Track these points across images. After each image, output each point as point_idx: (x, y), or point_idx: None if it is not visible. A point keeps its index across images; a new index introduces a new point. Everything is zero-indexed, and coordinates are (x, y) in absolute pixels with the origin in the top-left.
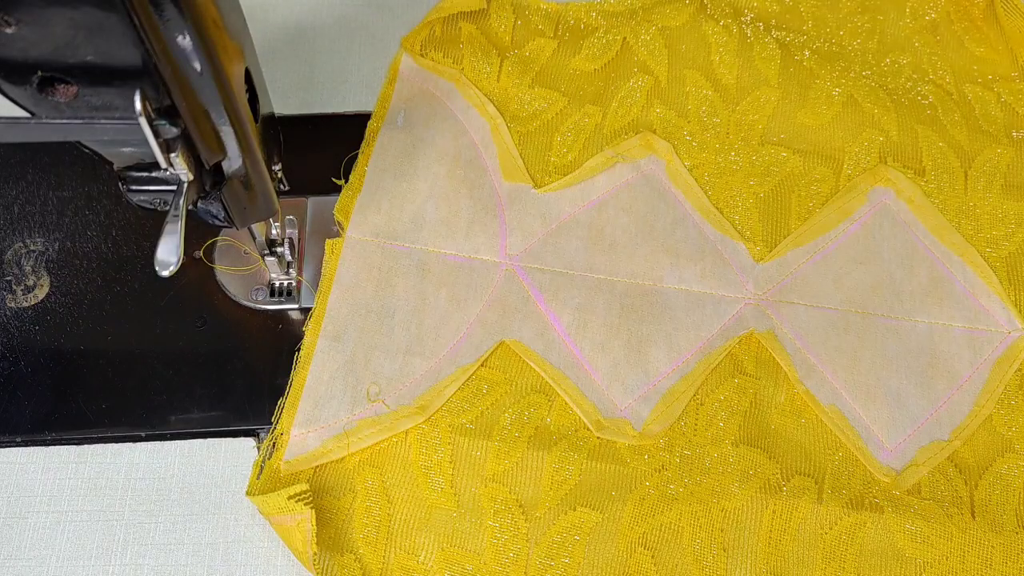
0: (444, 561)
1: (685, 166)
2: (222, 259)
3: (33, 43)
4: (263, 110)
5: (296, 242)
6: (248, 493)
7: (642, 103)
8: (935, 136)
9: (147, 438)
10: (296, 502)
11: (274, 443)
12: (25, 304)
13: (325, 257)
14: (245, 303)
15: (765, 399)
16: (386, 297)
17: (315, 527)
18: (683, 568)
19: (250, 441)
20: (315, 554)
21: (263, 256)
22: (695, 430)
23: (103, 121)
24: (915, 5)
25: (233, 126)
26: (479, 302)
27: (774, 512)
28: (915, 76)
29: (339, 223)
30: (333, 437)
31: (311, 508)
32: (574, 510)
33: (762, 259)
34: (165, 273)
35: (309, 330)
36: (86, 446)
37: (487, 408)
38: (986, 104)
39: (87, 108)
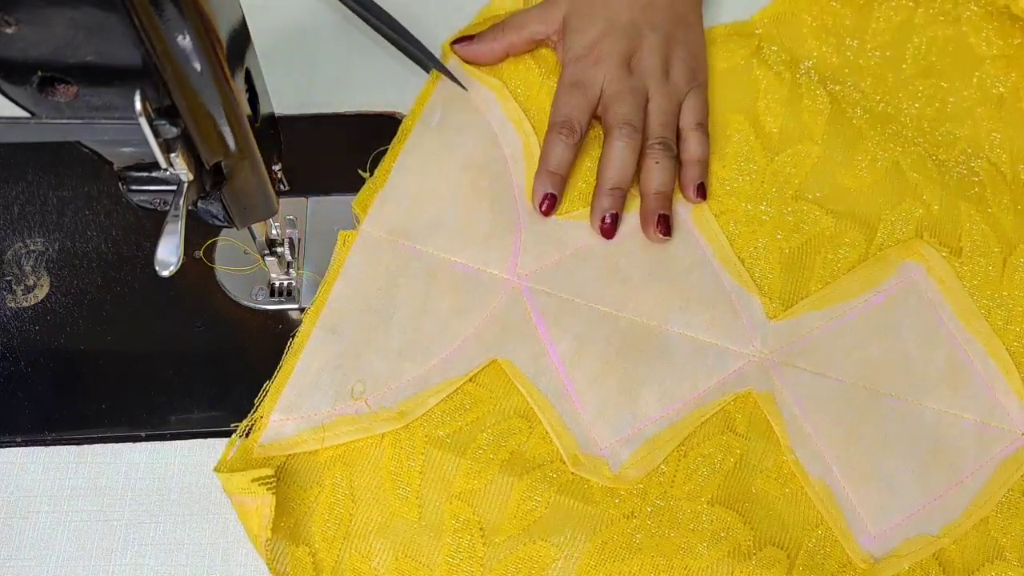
0: (396, 570)
1: (712, 212)
2: (222, 259)
3: (33, 43)
4: (263, 110)
5: (296, 242)
6: (216, 469)
7: None
8: (979, 216)
9: (147, 438)
10: (259, 485)
11: (252, 424)
12: (25, 304)
13: (336, 248)
14: (245, 303)
15: (752, 462)
16: (389, 297)
17: (273, 513)
18: None
19: None
20: (268, 540)
21: (263, 256)
22: (673, 482)
23: (103, 121)
24: (983, 76)
25: (233, 126)
26: (479, 316)
27: None
28: (969, 151)
29: (356, 216)
30: (310, 428)
31: (272, 494)
32: (534, 543)
33: (775, 316)
34: (165, 273)
35: (307, 317)
36: (86, 446)
37: (466, 424)
38: None
39: (87, 108)
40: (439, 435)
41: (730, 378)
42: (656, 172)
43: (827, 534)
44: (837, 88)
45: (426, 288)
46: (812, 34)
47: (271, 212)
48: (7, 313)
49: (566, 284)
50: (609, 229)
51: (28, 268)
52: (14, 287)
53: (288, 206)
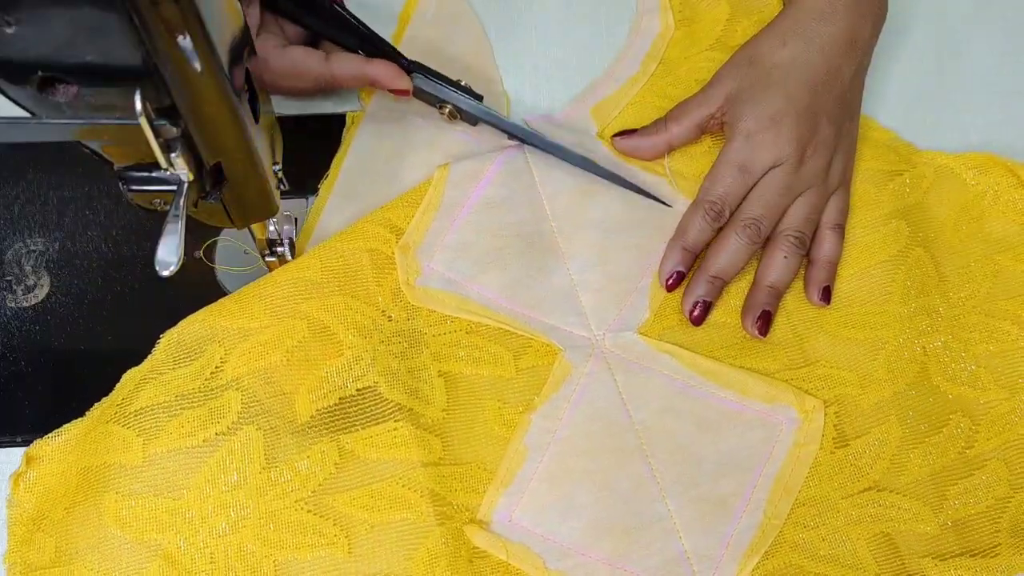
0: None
1: None
2: (222, 259)
3: (33, 43)
4: (263, 110)
5: (296, 242)
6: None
7: None
8: (912, 450)
9: None
10: None
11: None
12: (25, 304)
13: (346, 128)
14: None
15: (495, 387)
16: (396, 167)
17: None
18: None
19: None
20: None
21: (263, 256)
22: (432, 334)
23: (103, 121)
24: None
25: (233, 126)
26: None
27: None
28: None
29: (360, 100)
30: None
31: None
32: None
33: (646, 332)
34: (165, 273)
35: (322, 188)
36: None
37: None
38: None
39: (87, 108)
40: None
41: (564, 332)
42: (780, 265)
43: (468, 503)
44: (930, 275)
45: (428, 155)
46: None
47: (271, 212)
48: (7, 313)
49: (542, 157)
50: (699, 318)
51: (28, 268)
52: (14, 287)
53: (288, 206)
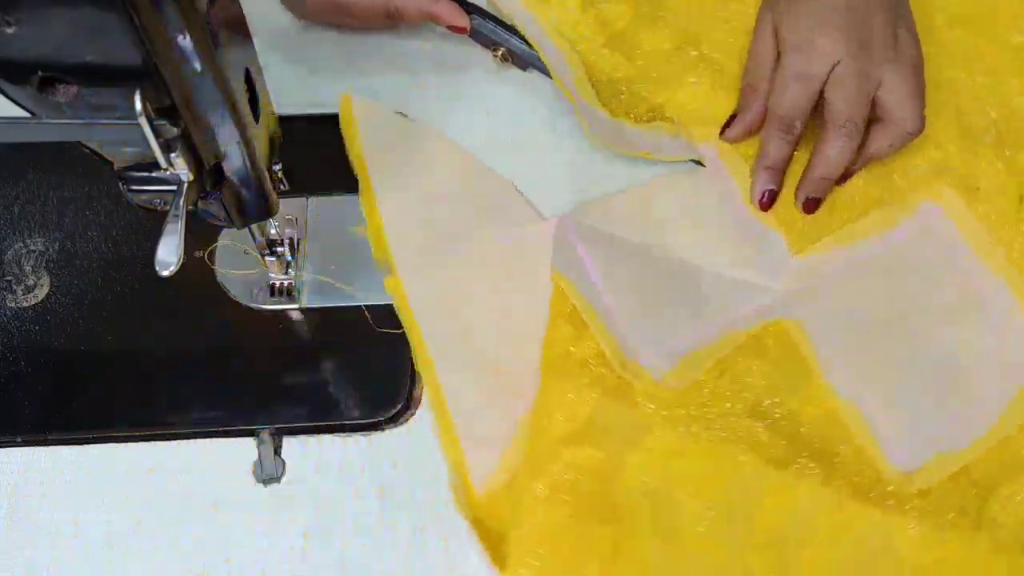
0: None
1: (740, 154)
2: (223, 259)
3: (33, 43)
4: (263, 110)
5: (296, 242)
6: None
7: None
8: (995, 157)
9: (147, 438)
10: None
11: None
12: (25, 304)
13: (392, 295)
14: (245, 303)
15: (783, 384)
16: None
17: None
18: (678, 521)
19: (250, 441)
20: None
21: (263, 256)
22: (711, 397)
23: (103, 121)
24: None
25: (233, 126)
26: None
27: (777, 486)
28: (988, 97)
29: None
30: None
31: None
32: (580, 447)
33: (800, 252)
34: (165, 273)
35: (423, 371)
36: (86, 446)
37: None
38: None
39: (87, 108)
40: None
41: (759, 309)
42: (835, 158)
43: (859, 451)
44: None
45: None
46: None
47: (271, 212)
48: (7, 313)
49: (601, 216)
50: (812, 205)
51: (28, 268)
52: (14, 287)
53: (288, 206)
